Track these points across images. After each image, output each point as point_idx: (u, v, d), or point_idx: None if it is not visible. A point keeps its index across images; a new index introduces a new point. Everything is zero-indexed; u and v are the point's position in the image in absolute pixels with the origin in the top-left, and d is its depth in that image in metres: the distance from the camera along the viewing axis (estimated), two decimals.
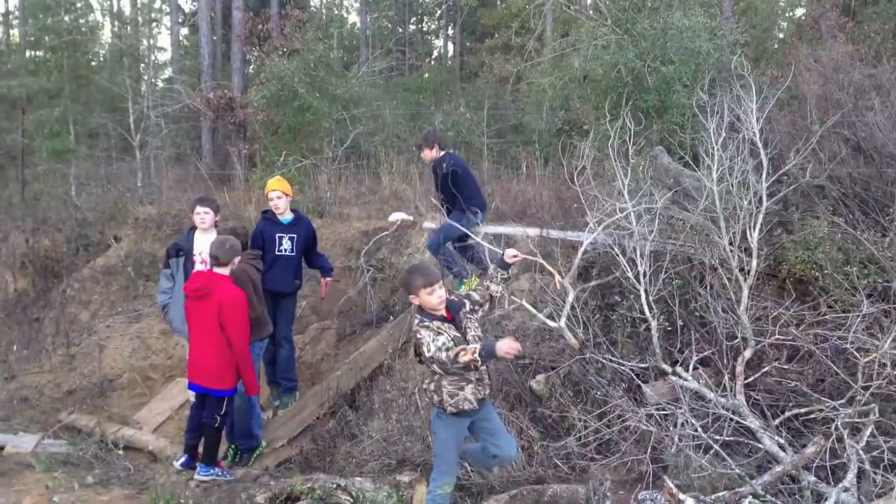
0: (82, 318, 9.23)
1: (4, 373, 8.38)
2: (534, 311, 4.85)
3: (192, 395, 6.02)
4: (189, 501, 4.95)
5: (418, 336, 4.16)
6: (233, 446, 6.28)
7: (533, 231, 7.62)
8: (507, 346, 3.94)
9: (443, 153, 7.19)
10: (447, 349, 4.03)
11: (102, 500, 5.05)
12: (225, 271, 5.56)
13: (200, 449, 5.79)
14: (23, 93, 17.53)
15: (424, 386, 4.43)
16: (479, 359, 3.95)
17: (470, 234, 7.11)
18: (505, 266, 4.62)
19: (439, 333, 4.13)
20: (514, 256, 4.62)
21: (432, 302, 4.21)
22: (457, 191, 6.99)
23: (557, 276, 5.03)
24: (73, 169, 15.26)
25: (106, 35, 25.77)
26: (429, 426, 5.68)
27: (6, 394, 7.83)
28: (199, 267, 6.59)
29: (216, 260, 5.54)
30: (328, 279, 7.34)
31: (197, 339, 5.54)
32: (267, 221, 6.86)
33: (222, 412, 5.62)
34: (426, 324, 4.17)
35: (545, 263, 5.04)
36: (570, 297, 4.87)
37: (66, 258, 10.27)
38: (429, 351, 4.05)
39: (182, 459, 5.88)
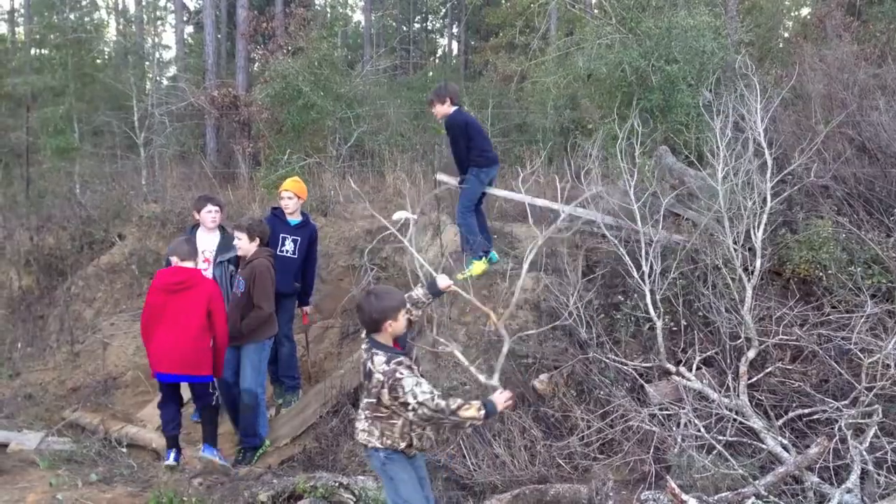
0: (86, 315, 9.24)
1: (9, 370, 8.39)
2: (466, 362, 4.67)
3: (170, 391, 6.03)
4: (192, 499, 4.95)
5: (398, 376, 3.72)
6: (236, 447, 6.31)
7: (542, 202, 7.58)
8: (504, 400, 3.88)
9: (454, 109, 7.05)
10: (442, 398, 3.74)
11: (106, 497, 5.05)
12: (191, 265, 5.71)
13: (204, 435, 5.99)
14: (28, 90, 17.54)
15: (381, 429, 3.90)
16: (481, 418, 3.80)
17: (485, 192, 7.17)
18: (436, 293, 4.35)
19: (415, 375, 3.79)
20: (448, 286, 4.36)
21: (402, 327, 3.95)
22: (468, 145, 6.94)
23: (493, 317, 4.88)
24: (77, 167, 15.25)
25: (111, 33, 25.79)
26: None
27: (10, 391, 7.84)
28: (201, 265, 6.61)
29: (185, 257, 5.71)
30: (307, 310, 7.36)
31: (173, 330, 5.54)
32: (275, 219, 6.83)
33: (214, 391, 5.86)
34: (401, 361, 3.79)
35: (480, 306, 4.89)
36: (506, 348, 4.63)
37: (70, 256, 10.28)
38: (415, 397, 3.67)
39: (173, 455, 5.90)
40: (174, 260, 5.74)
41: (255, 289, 5.95)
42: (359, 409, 4.05)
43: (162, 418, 6.01)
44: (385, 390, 3.74)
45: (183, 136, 17.09)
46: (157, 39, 28.93)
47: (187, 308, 5.56)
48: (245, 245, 6.07)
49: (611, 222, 6.61)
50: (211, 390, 5.92)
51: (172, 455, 5.89)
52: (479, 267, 6.99)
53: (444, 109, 7.01)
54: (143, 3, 26.16)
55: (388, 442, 3.91)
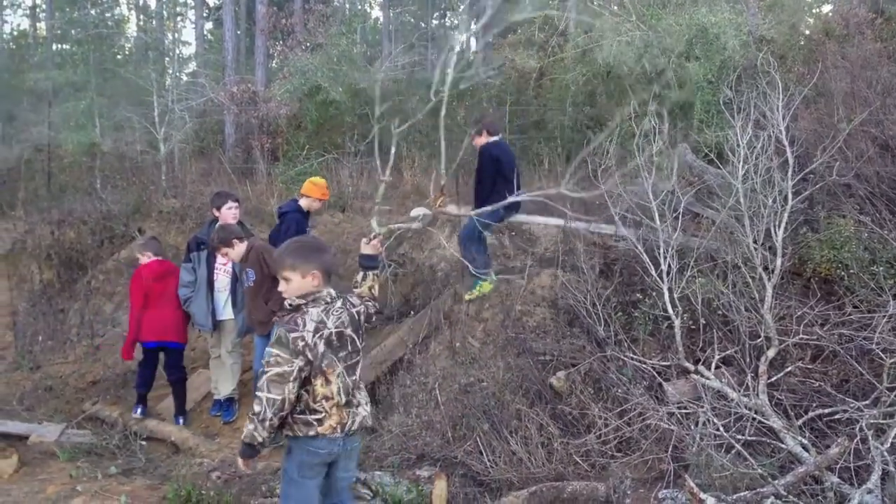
0: (106, 309, 9.31)
1: (29, 363, 8.47)
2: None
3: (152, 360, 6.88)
4: (210, 492, 4.98)
5: None
6: None
7: (555, 221, 7.55)
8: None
9: (492, 139, 6.94)
10: None
11: (125, 489, 5.09)
12: (161, 258, 6.96)
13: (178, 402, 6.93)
14: (49, 86, 17.73)
15: None
16: None
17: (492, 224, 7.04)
18: (370, 262, 3.92)
19: None
20: (375, 242, 3.91)
21: None
22: (496, 179, 6.72)
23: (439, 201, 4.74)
24: (98, 161, 15.37)
25: (131, 29, 26.00)
26: (449, 422, 5.68)
27: (31, 384, 7.91)
28: (220, 259, 6.68)
29: (159, 252, 6.94)
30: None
31: (163, 306, 6.67)
32: (299, 214, 6.96)
33: (183, 363, 6.90)
34: None
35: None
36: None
37: (90, 250, 10.35)
38: None
39: (140, 409, 6.82)
40: (149, 255, 6.81)
41: (270, 263, 5.97)
42: (355, 389, 3.59)
43: (138, 377, 6.89)
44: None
45: (202, 131, 17.18)
46: (177, 35, 29.16)
47: (168, 290, 6.74)
48: (235, 252, 6.15)
49: (627, 234, 6.49)
50: (182, 361, 6.89)
51: (140, 409, 6.83)
52: (486, 287, 6.92)
53: (481, 140, 6.96)
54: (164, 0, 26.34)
55: None
